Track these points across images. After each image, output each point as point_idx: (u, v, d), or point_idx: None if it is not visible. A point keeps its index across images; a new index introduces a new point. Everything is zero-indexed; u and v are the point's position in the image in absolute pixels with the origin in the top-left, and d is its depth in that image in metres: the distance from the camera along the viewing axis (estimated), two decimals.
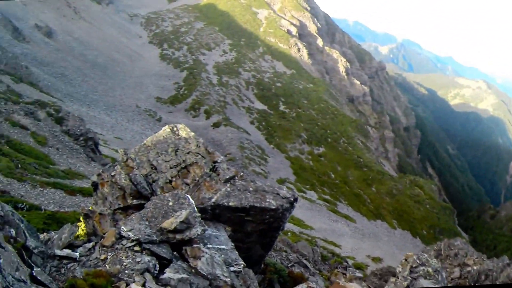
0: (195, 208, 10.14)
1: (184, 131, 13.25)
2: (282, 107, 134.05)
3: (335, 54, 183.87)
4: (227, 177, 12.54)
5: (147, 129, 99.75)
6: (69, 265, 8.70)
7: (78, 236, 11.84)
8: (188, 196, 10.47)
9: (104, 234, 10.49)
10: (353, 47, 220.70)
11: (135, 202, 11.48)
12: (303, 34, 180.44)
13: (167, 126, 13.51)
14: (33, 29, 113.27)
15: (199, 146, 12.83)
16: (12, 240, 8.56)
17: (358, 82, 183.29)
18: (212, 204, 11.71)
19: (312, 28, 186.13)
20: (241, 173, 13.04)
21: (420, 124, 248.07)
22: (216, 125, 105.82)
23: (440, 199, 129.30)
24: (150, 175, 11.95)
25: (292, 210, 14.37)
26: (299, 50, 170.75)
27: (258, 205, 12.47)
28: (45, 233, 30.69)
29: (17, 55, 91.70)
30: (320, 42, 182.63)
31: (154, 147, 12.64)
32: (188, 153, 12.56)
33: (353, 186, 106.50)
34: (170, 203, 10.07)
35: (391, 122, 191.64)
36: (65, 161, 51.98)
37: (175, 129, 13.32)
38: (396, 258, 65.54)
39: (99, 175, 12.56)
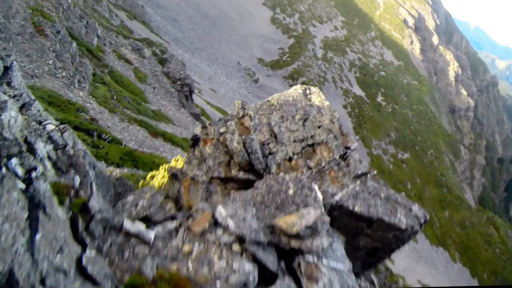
0: (323, 208, 7.18)
1: (318, 97, 10.21)
2: (379, 98, 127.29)
3: (448, 56, 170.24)
4: (359, 172, 9.43)
5: (242, 87, 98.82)
6: (137, 249, 6.08)
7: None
8: (316, 187, 7.48)
9: (191, 208, 7.87)
10: (469, 54, 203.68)
11: (241, 175, 8.69)
12: (419, 28, 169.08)
13: (299, 86, 10.54)
14: None
15: (334, 122, 9.78)
16: (72, 192, 6.09)
17: (465, 93, 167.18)
18: (334, 203, 8.71)
19: (430, 23, 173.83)
20: (375, 171, 9.87)
21: None
22: None
23: None
24: (268, 144, 9.11)
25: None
26: (412, 42, 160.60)
27: (387, 219, 9.36)
28: (118, 169, 29.81)
29: None
30: (435, 39, 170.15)
31: (279, 108, 9.70)
32: (319, 127, 9.54)
33: (426, 204, 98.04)
34: (291, 191, 7.18)
35: (487, 148, 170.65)
36: (158, 101, 52.09)
37: (307, 91, 10.31)
38: None
39: (204, 127, 9.85)
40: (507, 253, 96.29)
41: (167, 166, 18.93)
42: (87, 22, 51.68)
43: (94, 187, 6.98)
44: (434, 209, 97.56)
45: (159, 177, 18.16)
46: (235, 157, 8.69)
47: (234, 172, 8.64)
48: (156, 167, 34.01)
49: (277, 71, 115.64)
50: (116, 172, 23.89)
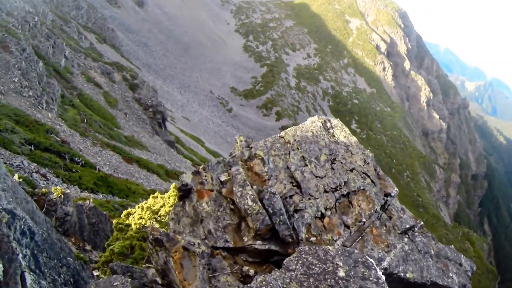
0: None
1: (342, 132, 7.92)
2: (354, 126, 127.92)
3: (420, 81, 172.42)
4: (407, 226, 7.17)
5: (215, 116, 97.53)
6: None
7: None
8: (373, 263, 5.11)
9: None
10: (440, 77, 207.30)
11: (259, 245, 6.07)
12: (391, 53, 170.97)
13: (316, 117, 8.23)
14: None
15: (368, 163, 7.51)
16: None
17: (437, 117, 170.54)
18: (382, 271, 6.40)
19: (402, 47, 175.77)
20: (421, 222, 7.67)
21: (490, 175, 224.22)
22: (284, 129, 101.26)
23: (488, 261, 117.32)
24: (291, 197, 6.55)
25: None
26: (384, 69, 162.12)
27: (440, 282, 7.24)
28: (92, 195, 27.94)
29: (106, 17, 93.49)
30: (407, 64, 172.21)
31: (298, 146, 7.31)
32: (351, 170, 7.21)
33: None
34: (341, 273, 4.78)
35: (461, 166, 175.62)
36: (130, 127, 50.40)
37: (328, 124, 7.99)
38: None
39: (197, 173, 7.00)
40: (482, 267, 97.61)
41: (144, 204, 16.50)
42: (54, 42, 50.24)
43: (29, 278, 4.26)
44: None
45: (136, 217, 15.67)
46: (250, 222, 6.14)
47: (247, 240, 6.02)
48: (132, 194, 33.04)
49: (250, 100, 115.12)
50: (90, 200, 22.53)
